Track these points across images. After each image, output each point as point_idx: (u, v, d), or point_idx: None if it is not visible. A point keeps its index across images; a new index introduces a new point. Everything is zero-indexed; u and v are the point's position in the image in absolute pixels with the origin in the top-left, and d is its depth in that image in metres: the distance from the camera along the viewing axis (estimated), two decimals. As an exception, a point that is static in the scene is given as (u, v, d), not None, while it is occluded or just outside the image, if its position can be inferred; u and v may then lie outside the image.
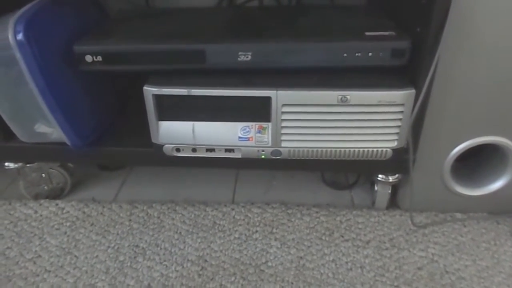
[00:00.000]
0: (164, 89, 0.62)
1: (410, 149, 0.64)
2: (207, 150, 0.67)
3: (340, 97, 0.60)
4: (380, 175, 0.74)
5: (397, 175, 0.74)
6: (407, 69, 0.61)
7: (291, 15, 0.77)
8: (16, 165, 0.78)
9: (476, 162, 0.75)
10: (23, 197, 0.82)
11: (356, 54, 0.60)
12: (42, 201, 0.80)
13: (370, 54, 0.60)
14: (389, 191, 0.76)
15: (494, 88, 0.62)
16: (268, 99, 0.61)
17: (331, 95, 0.60)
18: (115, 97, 0.81)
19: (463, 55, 0.59)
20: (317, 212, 0.77)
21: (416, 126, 0.64)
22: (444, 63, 0.59)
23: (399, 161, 0.66)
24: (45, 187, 0.83)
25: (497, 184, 0.72)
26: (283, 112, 0.62)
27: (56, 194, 0.84)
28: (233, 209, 0.78)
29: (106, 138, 0.73)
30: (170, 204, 0.79)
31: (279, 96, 0.61)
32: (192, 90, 0.61)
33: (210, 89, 0.61)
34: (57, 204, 0.79)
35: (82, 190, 0.87)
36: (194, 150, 0.67)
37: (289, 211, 0.77)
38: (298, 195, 0.84)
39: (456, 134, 0.67)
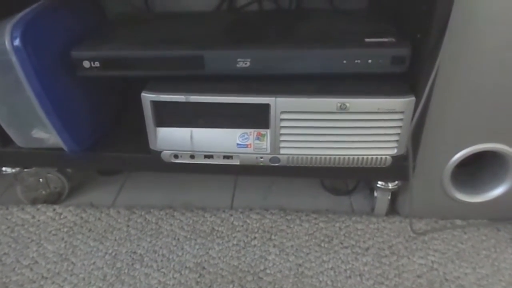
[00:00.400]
0: (162, 96, 0.61)
1: (409, 156, 0.63)
2: (205, 156, 0.66)
3: (339, 104, 0.59)
4: (379, 182, 0.74)
5: (396, 182, 0.73)
6: (408, 76, 0.61)
7: (291, 19, 0.76)
8: (13, 170, 0.78)
9: (477, 168, 0.75)
10: (21, 202, 0.82)
11: (356, 61, 0.60)
12: (39, 206, 0.80)
13: (369, 61, 0.60)
14: (389, 198, 0.75)
15: (494, 95, 0.61)
16: (267, 106, 0.60)
17: (330, 102, 0.59)
18: (113, 101, 0.81)
19: (464, 62, 0.59)
20: (316, 219, 0.76)
21: (416, 133, 0.64)
22: (444, 70, 0.59)
23: (398, 168, 0.66)
24: (43, 192, 0.82)
25: (498, 191, 0.71)
26: (282, 119, 0.61)
27: (53, 199, 0.83)
28: (231, 215, 0.77)
29: (103, 143, 0.73)
30: (168, 209, 0.79)
31: (278, 103, 0.60)
32: (191, 96, 0.61)
33: (209, 95, 0.61)
34: (54, 209, 0.79)
35: (80, 194, 0.86)
36: (192, 156, 0.66)
37: (288, 217, 0.77)
38: (297, 200, 0.83)
39: (456, 141, 0.66)
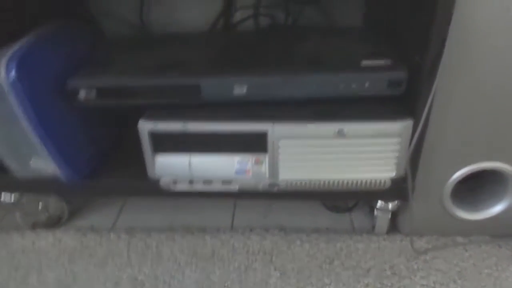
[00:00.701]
0: (159, 125, 0.61)
1: (408, 179, 0.63)
2: (204, 182, 0.66)
3: (337, 130, 0.59)
4: (379, 202, 0.73)
5: (396, 202, 0.73)
6: (405, 97, 0.61)
7: (286, 39, 0.76)
8: (12, 200, 0.77)
9: (476, 184, 0.75)
10: (20, 228, 0.81)
11: (353, 85, 0.60)
12: (39, 231, 0.80)
13: (366, 84, 0.60)
14: (389, 217, 0.75)
15: (492, 115, 0.61)
16: (264, 133, 0.60)
17: (328, 128, 0.59)
18: (110, 128, 0.80)
19: (461, 83, 0.58)
20: (316, 239, 0.76)
21: (415, 154, 0.63)
22: (442, 91, 0.59)
23: (398, 189, 0.66)
24: (42, 216, 0.82)
25: (497, 208, 0.71)
26: (280, 145, 0.61)
27: (53, 223, 0.83)
28: (232, 237, 0.77)
29: (102, 171, 0.72)
30: (169, 232, 0.79)
31: (275, 130, 0.60)
32: (188, 125, 0.61)
33: (206, 123, 0.61)
34: (54, 234, 0.79)
35: (80, 217, 0.86)
36: (191, 182, 0.66)
37: (289, 238, 0.76)
38: (297, 219, 0.83)
39: (455, 160, 0.66)
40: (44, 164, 0.67)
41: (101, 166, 0.73)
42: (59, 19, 0.71)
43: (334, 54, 0.68)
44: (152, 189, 0.67)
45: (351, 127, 0.59)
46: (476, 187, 0.75)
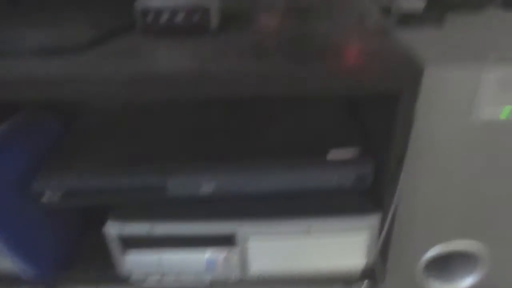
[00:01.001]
0: (126, 228, 0.60)
1: (377, 268, 0.63)
2: (175, 277, 0.65)
3: (305, 227, 0.59)
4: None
5: (369, 280, 0.73)
6: (373, 185, 0.61)
7: (255, 113, 0.75)
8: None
9: (448, 256, 0.76)
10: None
11: (320, 181, 0.60)
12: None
13: (333, 180, 0.60)
14: (364, 292, 0.76)
15: (460, 200, 0.62)
16: (233, 232, 0.60)
17: (296, 226, 0.59)
18: (77, 220, 0.77)
19: (428, 175, 0.59)
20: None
21: (385, 243, 0.64)
22: (409, 183, 0.59)
23: (369, 275, 0.66)
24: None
25: (469, 281, 0.72)
26: (249, 242, 0.61)
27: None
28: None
29: (69, 264, 0.71)
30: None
31: (243, 229, 0.60)
32: (155, 227, 0.60)
33: (173, 224, 0.60)
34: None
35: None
36: (162, 276, 0.65)
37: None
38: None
39: (425, 243, 0.67)
40: (9, 263, 0.66)
41: (68, 259, 0.71)
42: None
43: (301, 139, 0.67)
44: (122, 283, 0.66)
45: (319, 224, 0.59)
46: (448, 259, 0.76)
